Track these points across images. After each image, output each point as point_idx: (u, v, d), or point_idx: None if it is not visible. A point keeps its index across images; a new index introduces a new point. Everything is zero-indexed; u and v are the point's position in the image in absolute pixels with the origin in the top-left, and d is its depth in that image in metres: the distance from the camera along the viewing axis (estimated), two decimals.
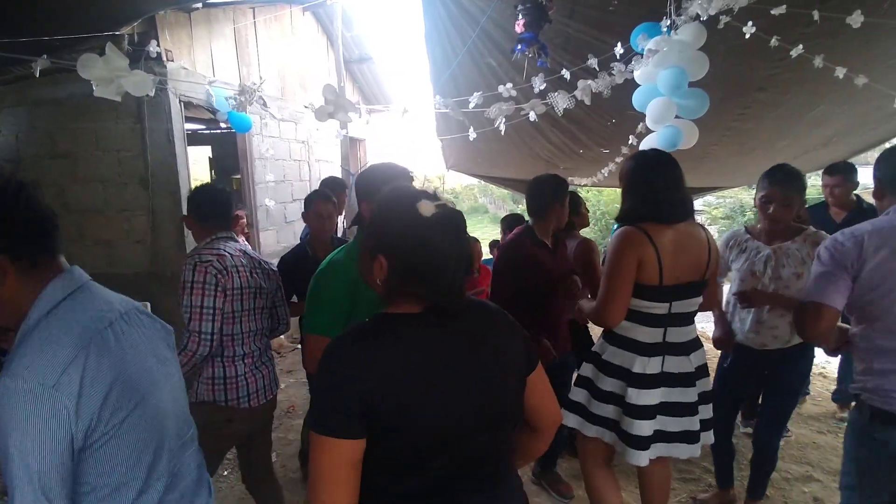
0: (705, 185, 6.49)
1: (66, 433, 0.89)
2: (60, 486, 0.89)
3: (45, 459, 0.87)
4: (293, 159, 5.94)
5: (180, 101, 4.11)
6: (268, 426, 2.33)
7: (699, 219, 5.71)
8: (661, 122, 2.70)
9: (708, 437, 2.01)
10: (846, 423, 1.75)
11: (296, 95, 5.94)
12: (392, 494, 0.96)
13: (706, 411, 2.00)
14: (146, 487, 1.02)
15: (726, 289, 2.59)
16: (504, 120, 3.12)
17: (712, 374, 2.13)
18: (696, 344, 1.97)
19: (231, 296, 1.98)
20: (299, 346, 4.30)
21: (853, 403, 1.70)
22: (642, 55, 2.61)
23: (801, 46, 2.72)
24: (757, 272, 2.29)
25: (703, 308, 2.05)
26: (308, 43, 6.36)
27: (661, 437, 1.91)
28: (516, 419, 1.07)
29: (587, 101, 2.84)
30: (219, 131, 7.31)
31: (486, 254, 5.16)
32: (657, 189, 1.87)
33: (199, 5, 4.12)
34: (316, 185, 6.12)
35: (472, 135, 3.49)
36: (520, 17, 2.76)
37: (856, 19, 2.47)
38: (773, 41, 2.65)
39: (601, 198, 13.25)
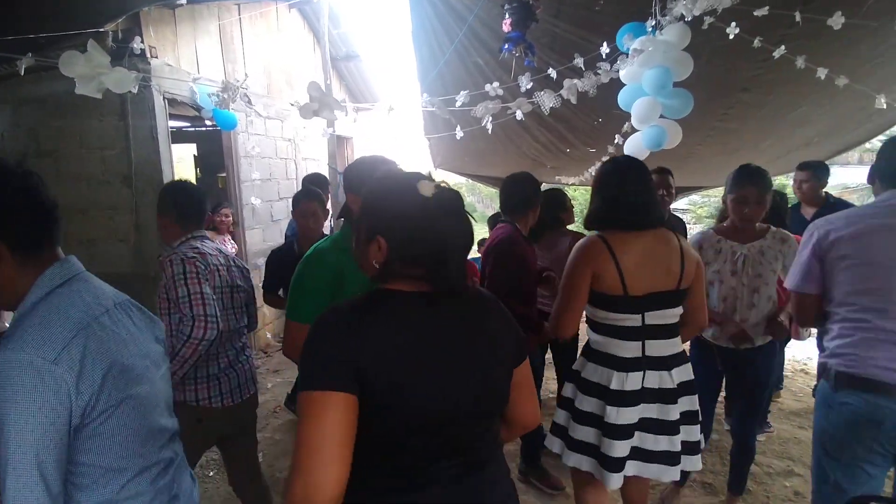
0: (690, 185, 6.57)
1: (64, 408, 0.89)
2: (56, 461, 0.89)
3: (43, 433, 0.87)
4: (279, 157, 5.89)
5: (164, 98, 4.05)
6: (250, 426, 2.30)
7: (684, 218, 5.76)
8: (646, 122, 2.73)
9: (695, 463, 1.88)
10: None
11: (282, 93, 5.89)
12: (368, 472, 0.94)
13: (691, 433, 1.86)
14: (138, 472, 1.03)
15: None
16: (491, 119, 3.13)
17: None
18: (679, 359, 1.85)
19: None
20: None
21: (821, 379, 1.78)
22: (628, 55, 2.64)
23: (783, 47, 2.76)
24: (737, 272, 2.30)
25: (692, 324, 1.93)
26: (294, 40, 6.32)
27: (637, 454, 1.82)
28: (502, 408, 1.07)
29: (573, 101, 2.86)
30: (204, 129, 7.22)
31: (473, 251, 5.17)
32: (622, 196, 1.83)
33: (184, 2, 4.07)
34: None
35: (459, 133, 3.49)
36: (506, 16, 2.77)
37: (836, 21, 2.51)
38: (756, 42, 2.68)
39: (588, 196, 13.32)
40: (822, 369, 1.73)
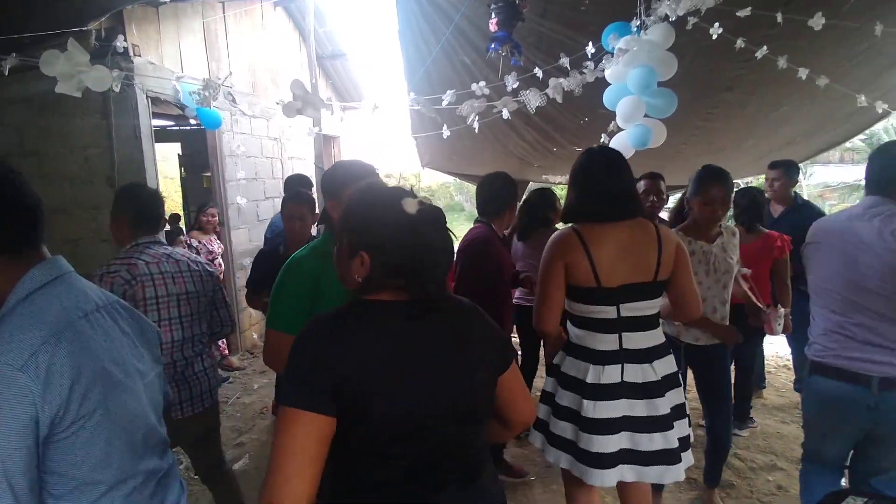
0: (677, 184, 6.63)
1: (31, 417, 0.87)
2: (24, 471, 0.86)
3: (8, 442, 0.85)
4: (265, 156, 5.85)
5: (147, 96, 4.01)
6: (210, 435, 2.24)
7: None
8: (631, 121, 2.75)
9: (687, 458, 1.81)
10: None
11: (267, 91, 5.85)
12: (360, 484, 0.96)
13: (681, 428, 1.81)
14: (115, 484, 0.99)
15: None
16: (478, 117, 3.13)
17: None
18: (660, 351, 1.81)
19: (144, 306, 1.90)
20: None
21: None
22: (613, 54, 2.66)
23: (765, 48, 2.80)
24: (710, 271, 2.34)
25: (684, 313, 1.89)
26: (280, 38, 6.27)
27: (633, 457, 1.75)
28: (486, 415, 1.08)
29: (559, 100, 2.88)
30: (188, 128, 7.14)
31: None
32: (597, 187, 1.81)
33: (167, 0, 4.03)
34: None
35: (446, 132, 3.49)
36: (493, 15, 2.77)
37: (817, 22, 2.55)
38: (739, 42, 2.72)
39: None
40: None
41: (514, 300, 3.15)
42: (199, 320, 2.11)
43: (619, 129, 3.00)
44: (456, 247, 2.45)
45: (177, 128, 7.37)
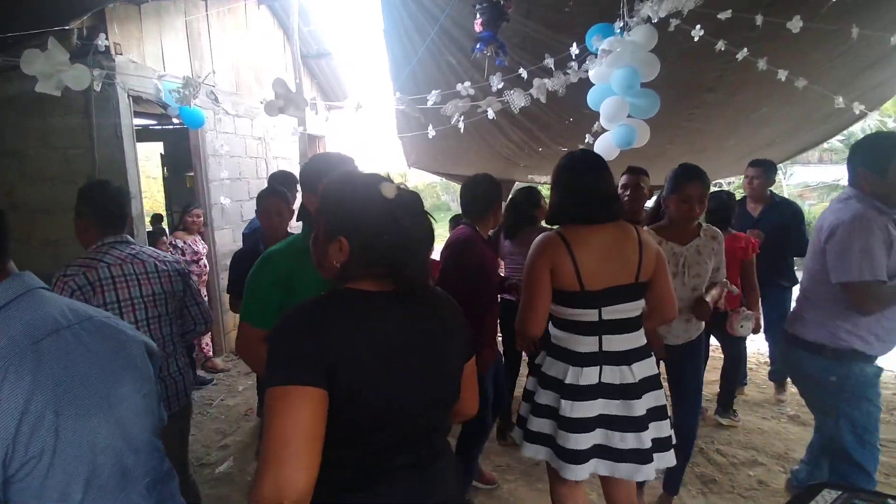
0: (661, 184, 6.70)
1: None
2: None
3: None
4: (249, 156, 5.80)
5: (129, 95, 3.95)
6: (181, 437, 2.20)
7: None
8: (614, 121, 2.78)
9: (668, 459, 1.85)
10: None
11: (251, 90, 5.80)
12: (329, 465, 0.94)
13: (660, 429, 1.84)
14: None
15: None
16: (463, 117, 3.14)
17: None
18: (639, 354, 1.83)
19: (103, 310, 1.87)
20: None
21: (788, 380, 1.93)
22: (597, 55, 2.68)
23: (745, 50, 2.84)
24: (678, 273, 2.28)
25: (658, 315, 1.92)
26: (264, 37, 6.22)
27: (605, 453, 1.79)
28: (454, 401, 1.11)
29: (543, 100, 2.89)
30: (171, 127, 7.05)
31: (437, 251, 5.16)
32: (580, 190, 1.82)
33: None
34: None
35: (431, 132, 3.49)
36: (477, 15, 2.78)
37: (795, 24, 2.60)
38: (720, 44, 2.75)
39: None
40: None
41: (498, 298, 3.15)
42: (169, 321, 2.07)
43: (603, 130, 3.02)
44: (441, 246, 2.45)
45: (159, 127, 7.27)
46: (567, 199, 1.86)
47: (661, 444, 1.83)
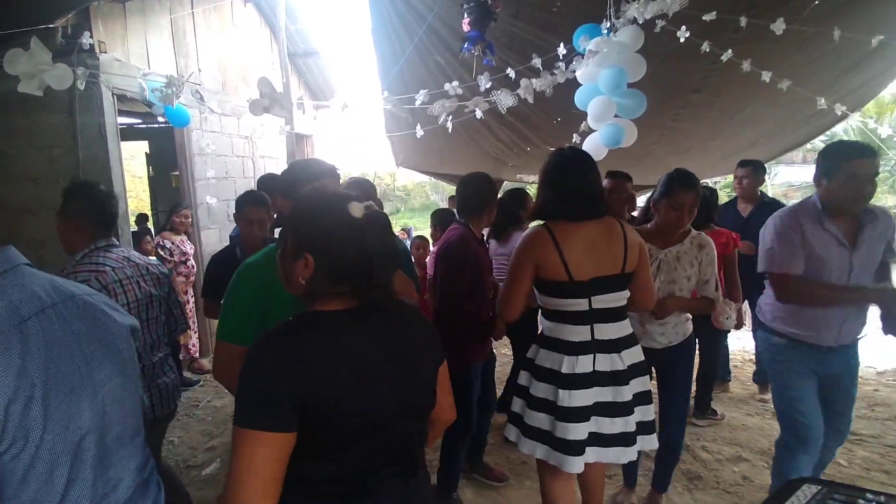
0: (647, 183, 6.76)
1: None
2: None
3: None
4: (236, 155, 5.75)
5: (113, 93, 3.90)
6: (160, 437, 2.21)
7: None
8: (602, 121, 2.80)
9: (651, 442, 1.93)
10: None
11: (238, 89, 5.75)
12: (308, 480, 0.96)
13: (645, 413, 1.91)
14: (65, 501, 0.89)
15: None
16: (451, 117, 3.15)
17: None
18: (628, 342, 1.91)
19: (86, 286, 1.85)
20: None
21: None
22: (584, 56, 2.70)
23: (730, 51, 2.88)
24: (652, 276, 2.20)
25: (639, 305, 2.01)
26: (250, 35, 6.17)
27: (595, 440, 1.85)
28: (430, 409, 1.12)
29: (530, 100, 2.90)
30: (156, 126, 6.98)
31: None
32: (570, 186, 1.88)
33: None
34: None
35: (420, 132, 3.49)
36: (465, 15, 2.78)
37: (778, 26, 2.64)
38: (705, 46, 2.78)
39: None
40: None
41: None
42: (162, 322, 2.08)
43: (591, 129, 3.04)
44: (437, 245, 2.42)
45: (144, 126, 7.20)
46: (555, 196, 1.91)
47: (645, 428, 1.91)
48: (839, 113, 3.56)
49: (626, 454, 1.86)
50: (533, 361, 1.97)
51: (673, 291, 2.26)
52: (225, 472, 3.05)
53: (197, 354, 4.89)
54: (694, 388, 3.55)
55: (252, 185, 5.80)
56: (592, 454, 1.85)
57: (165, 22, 4.64)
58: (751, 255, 2.97)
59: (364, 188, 2.72)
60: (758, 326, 2.47)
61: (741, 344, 4.99)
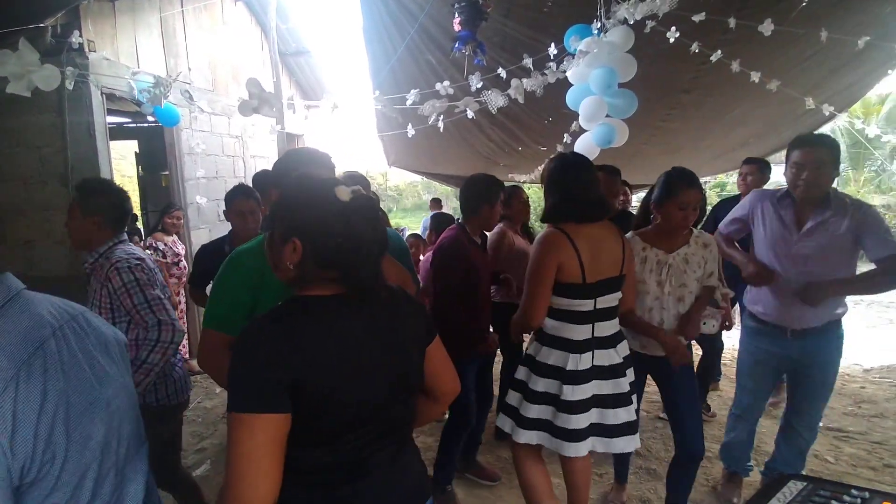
0: (638, 183, 6.81)
1: (4, 473, 0.78)
2: None
3: None
4: (226, 155, 5.72)
5: (102, 93, 3.87)
6: (179, 424, 2.27)
7: None
8: (593, 120, 2.81)
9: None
10: None
11: (228, 88, 5.72)
12: (304, 466, 0.96)
13: (635, 401, 2.09)
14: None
15: None
16: (442, 117, 3.15)
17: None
18: (620, 336, 2.04)
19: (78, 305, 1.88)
20: None
21: None
22: (574, 56, 2.71)
23: (719, 52, 2.91)
24: (662, 282, 2.17)
25: (624, 304, 2.06)
26: (241, 34, 6.13)
27: (599, 430, 1.95)
28: (420, 385, 1.14)
29: (521, 100, 2.91)
30: (146, 125, 6.92)
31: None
32: (576, 189, 1.96)
33: None
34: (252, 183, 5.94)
35: (411, 131, 3.49)
36: (456, 14, 2.78)
37: (766, 27, 2.66)
38: (695, 46, 2.80)
39: (541, 193, 13.54)
40: None
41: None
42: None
43: (581, 129, 3.06)
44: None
45: (134, 125, 7.13)
46: (562, 198, 1.98)
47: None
48: (827, 113, 3.60)
49: (633, 442, 1.99)
50: (534, 358, 2.03)
51: (683, 296, 2.19)
52: (216, 473, 3.05)
53: (188, 356, 4.85)
54: None
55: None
56: (600, 445, 1.96)
57: (155, 21, 4.61)
58: None
59: (357, 181, 2.71)
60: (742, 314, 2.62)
61: (729, 342, 5.02)
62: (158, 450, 2.14)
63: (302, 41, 6.91)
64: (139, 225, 6.83)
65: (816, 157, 2.14)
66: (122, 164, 11.22)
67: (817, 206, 2.20)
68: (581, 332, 1.95)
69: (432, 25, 3.37)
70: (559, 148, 4.58)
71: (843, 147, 12.99)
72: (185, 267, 4.66)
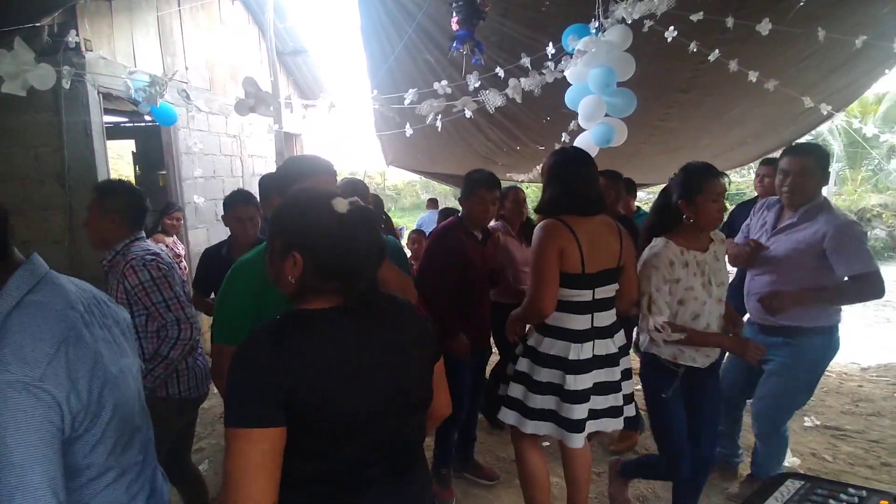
0: (637, 182, 6.80)
1: (56, 426, 0.87)
2: (61, 476, 0.87)
3: (44, 452, 0.84)
4: (224, 154, 5.71)
5: (99, 92, 3.86)
6: (195, 416, 2.30)
7: None
8: (592, 120, 2.81)
9: (630, 410, 2.13)
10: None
11: (226, 88, 5.70)
12: (300, 478, 0.96)
13: (628, 387, 2.12)
14: (121, 473, 1.01)
15: None
16: (440, 116, 3.14)
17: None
18: (617, 326, 2.09)
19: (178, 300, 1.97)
20: None
21: None
22: (572, 55, 2.70)
23: (717, 51, 2.91)
24: (706, 284, 2.04)
25: (627, 298, 2.08)
26: (238, 33, 6.12)
27: (591, 415, 2.02)
28: (425, 404, 1.12)
29: (518, 100, 2.91)
30: (143, 124, 6.91)
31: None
32: (576, 183, 1.99)
33: None
34: (249, 181, 5.92)
35: (409, 131, 3.48)
36: (454, 13, 2.78)
37: (764, 27, 2.66)
38: (693, 46, 2.80)
39: (537, 192, 13.56)
40: None
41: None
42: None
43: (579, 129, 3.06)
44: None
45: (131, 124, 7.12)
46: (562, 191, 2.00)
47: (627, 399, 2.12)
48: (825, 112, 3.60)
49: (614, 423, 2.07)
50: (536, 349, 2.06)
51: (721, 296, 2.08)
52: (214, 472, 3.04)
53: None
54: None
55: (240, 185, 5.77)
56: (590, 427, 2.02)
57: (152, 20, 4.59)
58: None
59: (357, 189, 2.69)
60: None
61: None
62: (173, 442, 2.17)
63: (300, 40, 6.90)
64: None
65: (802, 165, 2.25)
66: (119, 163, 11.19)
67: (796, 210, 2.31)
68: (581, 322, 1.99)
69: (430, 25, 3.36)
70: (557, 147, 4.57)
71: (840, 146, 13.05)
72: (185, 267, 4.65)
